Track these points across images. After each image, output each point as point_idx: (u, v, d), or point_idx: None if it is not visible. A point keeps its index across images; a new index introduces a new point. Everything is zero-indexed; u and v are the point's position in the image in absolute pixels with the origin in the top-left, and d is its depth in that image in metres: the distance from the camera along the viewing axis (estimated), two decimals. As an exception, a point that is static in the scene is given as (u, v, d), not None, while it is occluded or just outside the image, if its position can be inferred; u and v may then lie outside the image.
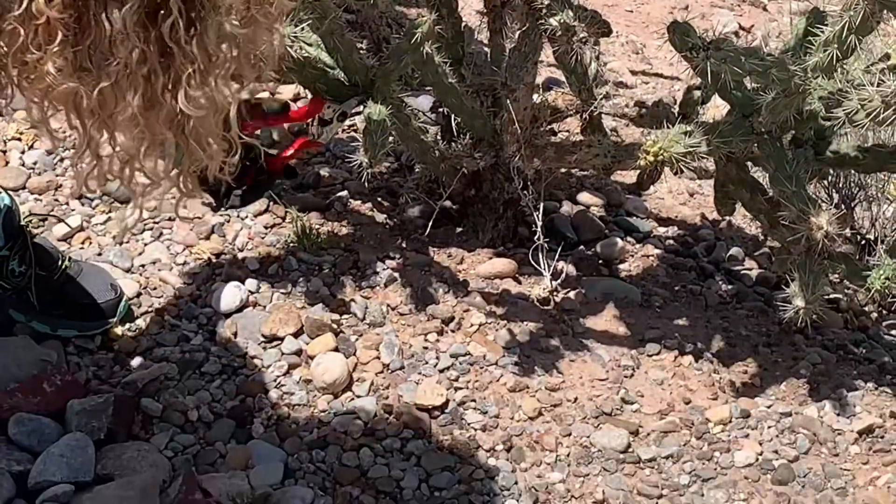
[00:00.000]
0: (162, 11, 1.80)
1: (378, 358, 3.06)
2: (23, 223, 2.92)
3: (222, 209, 3.28)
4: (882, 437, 3.14)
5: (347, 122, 3.72)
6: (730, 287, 3.58)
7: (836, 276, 3.24)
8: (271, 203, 3.40)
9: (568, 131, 3.76)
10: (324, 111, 3.03)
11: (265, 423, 2.88)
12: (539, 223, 3.22)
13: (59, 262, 2.94)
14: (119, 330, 2.99)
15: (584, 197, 3.78)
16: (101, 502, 2.57)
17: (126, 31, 1.79)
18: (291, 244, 3.30)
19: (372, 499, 2.77)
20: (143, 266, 3.18)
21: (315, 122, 3.04)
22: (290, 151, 3.00)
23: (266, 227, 3.35)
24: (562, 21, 2.83)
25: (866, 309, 3.65)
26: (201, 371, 2.96)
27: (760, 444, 3.08)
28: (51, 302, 2.92)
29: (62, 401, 2.76)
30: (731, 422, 3.11)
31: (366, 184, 3.00)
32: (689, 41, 2.79)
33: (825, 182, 3.72)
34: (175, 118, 1.92)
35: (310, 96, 3.36)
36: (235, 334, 3.05)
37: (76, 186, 2.06)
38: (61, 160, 3.43)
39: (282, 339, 3.05)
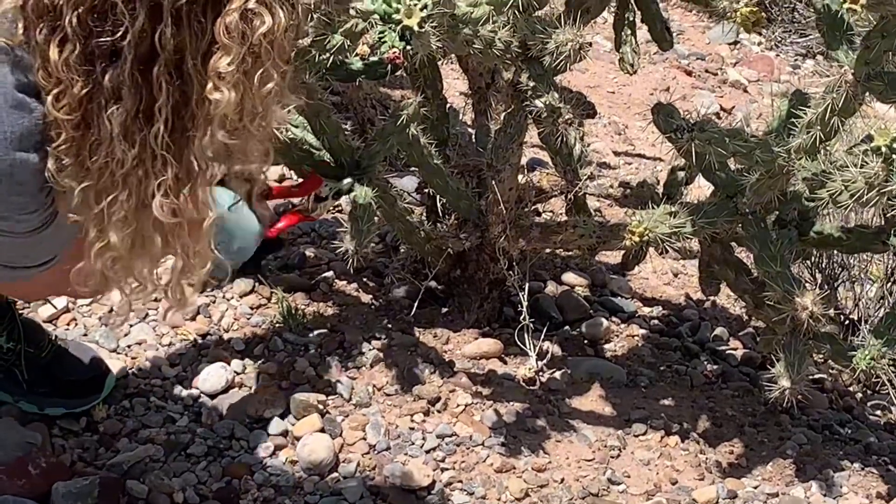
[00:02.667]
0: (154, 116, 1.86)
1: (364, 439, 3.05)
2: (10, 300, 2.91)
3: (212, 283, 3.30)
4: (869, 518, 3.14)
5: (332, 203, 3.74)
6: (715, 367, 3.58)
7: (821, 356, 3.25)
8: (257, 284, 3.40)
9: (552, 212, 3.78)
10: (321, 189, 3.05)
11: (251, 505, 2.87)
12: (524, 303, 3.22)
13: (47, 340, 2.94)
14: (104, 411, 2.97)
15: (569, 277, 3.79)
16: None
17: (116, 132, 1.85)
18: (277, 325, 3.30)
19: (358, 581, 2.76)
20: (128, 346, 3.18)
21: (311, 198, 3.05)
22: (283, 224, 3.01)
23: (252, 308, 3.34)
24: (547, 103, 2.84)
25: (851, 389, 3.66)
26: (187, 453, 2.94)
27: (747, 524, 3.08)
28: (38, 380, 2.91)
29: (47, 483, 2.75)
30: (717, 502, 3.10)
31: (351, 267, 3.00)
32: (674, 122, 2.81)
33: (808, 262, 3.74)
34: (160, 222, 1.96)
35: (295, 177, 3.38)
36: (221, 415, 3.04)
37: (84, 291, 2.10)
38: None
39: (268, 420, 3.04)
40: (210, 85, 1.86)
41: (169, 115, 1.86)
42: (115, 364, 3.08)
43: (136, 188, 1.91)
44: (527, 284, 3.28)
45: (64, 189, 1.92)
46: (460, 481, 3.00)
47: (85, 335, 3.18)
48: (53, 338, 2.99)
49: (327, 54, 2.80)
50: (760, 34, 6.23)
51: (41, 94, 1.87)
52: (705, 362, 3.60)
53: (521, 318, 3.22)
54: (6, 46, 1.87)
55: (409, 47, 2.48)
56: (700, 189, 3.35)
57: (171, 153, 1.89)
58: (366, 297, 3.47)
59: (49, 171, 1.91)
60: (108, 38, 1.81)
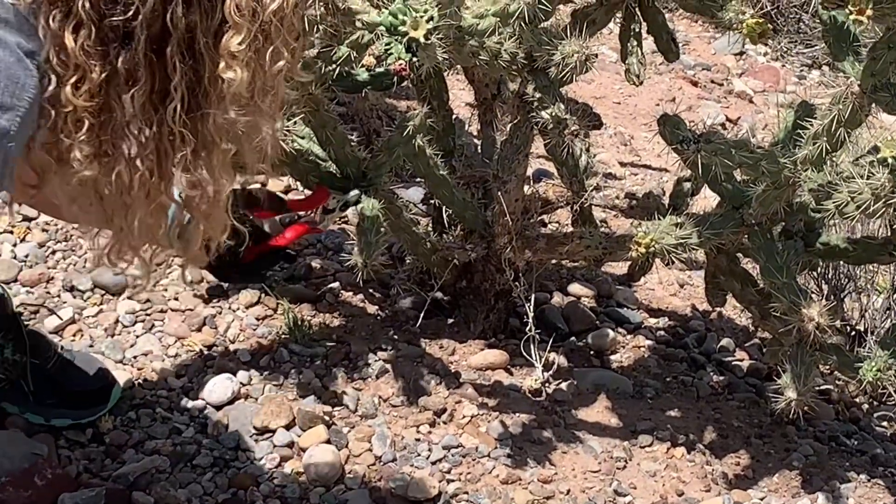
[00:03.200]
0: (170, 95, 1.88)
1: (370, 450, 3.05)
2: (15, 311, 2.92)
3: (224, 285, 3.32)
4: (876, 529, 3.14)
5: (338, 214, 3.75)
6: (721, 378, 3.58)
7: (828, 367, 3.25)
8: (263, 295, 3.40)
9: (558, 223, 3.78)
10: (328, 201, 3.06)
11: (257, 517, 2.87)
12: (531, 314, 3.23)
13: (52, 351, 2.94)
14: (110, 422, 2.97)
15: (575, 288, 3.79)
16: None
17: (135, 112, 1.87)
18: (283, 336, 3.30)
19: (364, 593, 2.76)
20: (134, 357, 3.18)
21: (318, 210, 3.06)
22: (290, 234, 3.01)
23: (258, 319, 3.34)
24: (553, 114, 2.85)
25: (857, 400, 3.65)
26: (193, 464, 2.94)
27: (754, 536, 3.08)
28: (44, 391, 2.92)
29: (53, 494, 2.75)
30: (724, 514, 3.10)
31: (360, 279, 3.00)
32: (680, 134, 2.81)
33: (815, 273, 3.74)
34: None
35: (301, 188, 3.38)
36: (227, 427, 3.04)
37: (93, 261, 2.13)
38: (53, 253, 3.43)
39: (273, 431, 3.04)
40: (223, 64, 1.89)
41: (184, 94, 1.88)
42: (121, 375, 3.08)
43: (156, 166, 1.94)
44: (533, 295, 3.28)
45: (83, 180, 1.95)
46: (466, 493, 3.00)
47: (91, 346, 3.18)
48: (59, 349, 2.99)
49: (334, 66, 2.80)
50: (766, 45, 6.23)
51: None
52: (711, 373, 3.60)
53: (527, 328, 3.23)
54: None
55: (415, 59, 2.49)
56: (706, 200, 3.36)
57: (187, 129, 1.92)
58: (372, 309, 3.47)
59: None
60: (121, 19, 1.83)
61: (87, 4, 1.82)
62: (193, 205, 2.05)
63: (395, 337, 3.37)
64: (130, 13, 1.83)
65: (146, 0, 1.82)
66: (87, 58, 1.84)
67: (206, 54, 1.88)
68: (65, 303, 3.30)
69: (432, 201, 3.46)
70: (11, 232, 3.49)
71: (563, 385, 3.37)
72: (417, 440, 3.10)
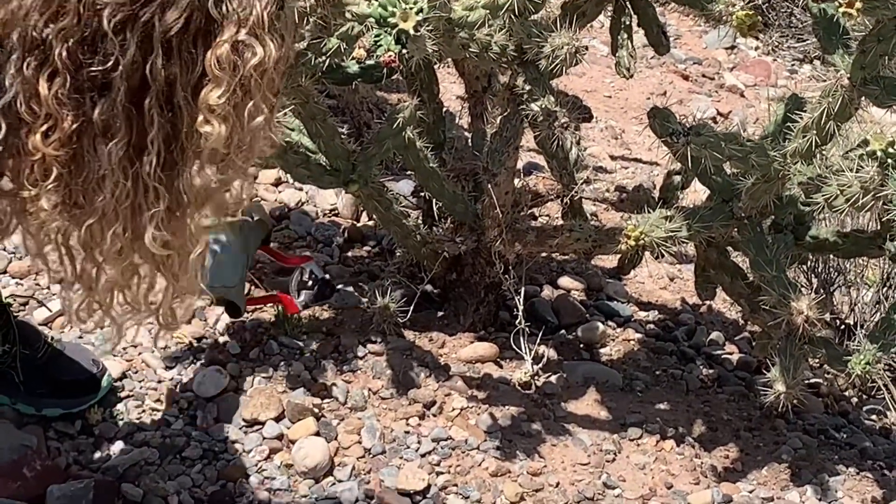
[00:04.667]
0: (146, 149, 1.84)
1: (359, 442, 3.05)
2: (5, 302, 2.91)
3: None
4: (864, 523, 3.14)
5: (328, 206, 3.75)
6: (711, 371, 3.58)
7: (817, 360, 3.25)
8: (253, 287, 3.40)
9: (549, 216, 3.78)
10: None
11: (246, 509, 2.87)
12: (520, 307, 3.23)
13: (42, 342, 2.94)
14: (99, 414, 2.97)
15: (565, 281, 3.79)
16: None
17: (111, 167, 1.83)
18: (273, 328, 3.29)
19: (353, 585, 2.76)
20: (124, 349, 3.17)
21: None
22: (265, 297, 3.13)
23: (247, 311, 3.34)
24: (543, 107, 2.85)
25: (846, 394, 3.66)
26: (182, 456, 2.94)
27: (743, 529, 3.08)
28: (34, 381, 2.91)
29: (42, 486, 2.75)
30: (713, 507, 3.10)
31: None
32: (670, 127, 2.81)
33: (804, 267, 3.74)
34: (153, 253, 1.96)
35: (290, 180, 3.38)
36: (216, 419, 3.04)
37: (67, 318, 2.10)
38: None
39: (263, 423, 3.04)
40: (201, 118, 1.84)
41: (161, 148, 1.84)
42: (110, 366, 3.07)
43: (129, 221, 1.90)
44: (523, 288, 3.28)
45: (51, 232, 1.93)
46: (455, 485, 3.00)
47: (80, 337, 3.18)
48: (49, 339, 2.99)
49: (323, 58, 2.80)
50: (757, 38, 6.23)
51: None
52: (701, 367, 3.60)
53: (517, 321, 3.23)
54: None
55: (404, 51, 2.48)
56: (696, 193, 3.36)
57: (162, 185, 1.87)
58: (361, 301, 3.46)
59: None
60: (99, 69, 1.79)
61: (65, 53, 1.78)
62: (164, 266, 1.99)
63: (385, 330, 3.36)
64: (109, 64, 1.79)
65: (126, 51, 1.78)
66: (60, 107, 1.80)
67: (184, 107, 1.84)
68: (54, 294, 3.29)
69: (422, 194, 3.45)
70: None
71: (553, 378, 3.37)
72: (407, 433, 3.10)
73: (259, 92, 1.87)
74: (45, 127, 1.82)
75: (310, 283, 3.29)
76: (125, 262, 1.95)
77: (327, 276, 3.37)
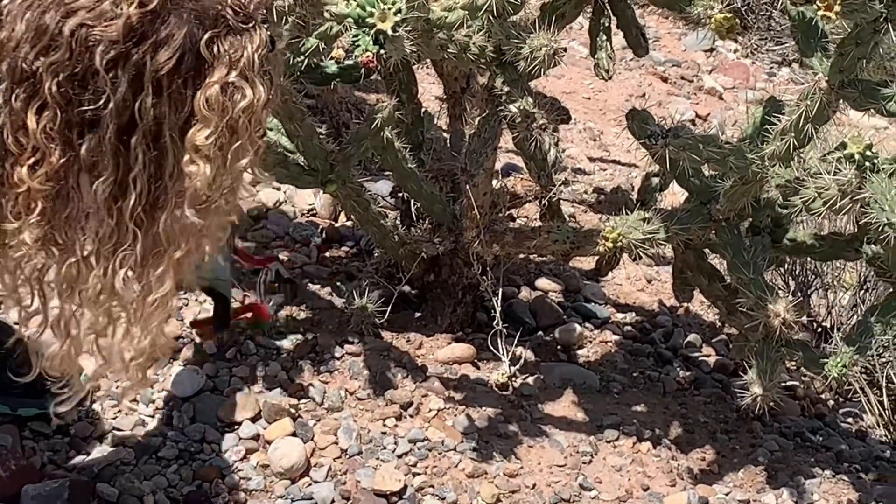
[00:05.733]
0: (129, 188, 1.82)
1: (336, 443, 3.04)
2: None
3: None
4: (840, 525, 3.15)
5: (306, 206, 3.75)
6: (688, 373, 3.59)
7: (794, 363, 3.25)
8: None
9: (527, 217, 3.78)
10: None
11: (222, 509, 2.86)
12: (498, 308, 3.22)
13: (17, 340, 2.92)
14: (75, 413, 2.96)
15: (543, 283, 3.79)
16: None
17: (97, 204, 1.81)
18: (250, 328, 3.29)
19: (329, 586, 2.76)
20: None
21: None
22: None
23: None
24: (521, 108, 2.85)
25: (823, 397, 3.67)
26: (158, 456, 2.93)
27: (719, 531, 3.08)
28: (9, 381, 2.89)
29: (17, 486, 2.74)
30: (689, 509, 3.11)
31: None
32: (648, 129, 2.81)
33: (782, 270, 3.75)
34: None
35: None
36: (193, 419, 3.03)
37: (52, 369, 2.07)
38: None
39: (239, 423, 3.03)
40: (186, 157, 1.82)
41: (144, 187, 1.82)
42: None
43: (106, 263, 1.87)
44: (500, 290, 3.28)
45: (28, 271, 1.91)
46: (432, 486, 3.00)
47: (56, 337, 3.16)
48: (25, 338, 2.97)
49: (302, 57, 2.80)
50: (736, 41, 6.25)
51: None
52: (678, 369, 3.61)
53: (495, 323, 3.22)
54: None
55: (383, 51, 2.48)
56: (674, 195, 3.36)
57: (141, 228, 1.85)
58: (339, 301, 3.46)
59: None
60: (89, 107, 1.77)
61: (55, 88, 1.76)
62: (136, 311, 1.94)
63: (362, 330, 3.36)
64: (101, 102, 1.77)
65: (117, 89, 1.76)
66: (48, 141, 1.78)
67: (170, 147, 1.81)
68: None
69: (400, 194, 3.45)
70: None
71: (530, 379, 3.37)
72: (383, 433, 3.09)
73: (246, 133, 1.86)
74: (31, 160, 1.80)
75: (277, 284, 3.29)
76: (103, 306, 1.92)
77: (291, 276, 3.36)
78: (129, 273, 1.87)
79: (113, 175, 1.80)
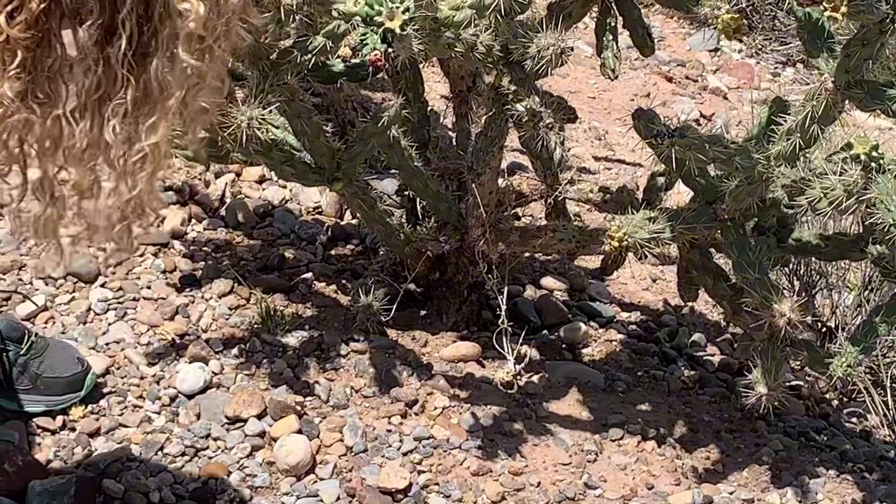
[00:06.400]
0: (116, 33, 1.71)
1: (341, 440, 3.05)
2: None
3: (196, 273, 3.29)
4: (844, 525, 3.15)
5: (312, 204, 3.75)
6: (692, 373, 3.59)
7: (798, 363, 3.26)
8: (236, 284, 3.40)
9: (532, 216, 3.79)
10: None
11: (227, 506, 2.87)
12: (503, 307, 3.23)
13: (26, 337, 2.93)
14: (80, 411, 2.97)
15: (548, 281, 3.79)
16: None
17: (84, 52, 1.72)
18: (255, 325, 3.29)
19: (334, 583, 2.76)
20: (107, 345, 3.17)
21: None
22: None
23: (230, 309, 3.34)
24: (528, 107, 2.85)
25: (827, 396, 3.67)
26: (164, 452, 2.94)
27: (723, 530, 3.09)
28: (17, 377, 2.91)
29: (23, 482, 2.74)
30: (693, 508, 3.11)
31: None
32: (654, 128, 2.82)
33: (787, 269, 3.75)
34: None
35: (275, 178, 3.38)
36: (198, 415, 3.04)
37: (19, 233, 1.95)
38: (25, 239, 3.42)
39: (245, 420, 3.04)
40: None
41: (133, 31, 1.71)
42: (94, 362, 3.07)
43: (94, 115, 1.77)
44: (505, 288, 3.28)
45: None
46: (437, 484, 3.00)
47: (63, 333, 3.17)
48: (34, 335, 2.98)
49: (309, 56, 2.80)
50: (741, 41, 6.25)
51: None
52: (683, 368, 3.61)
53: (500, 321, 3.22)
54: None
55: (390, 50, 2.48)
56: (680, 195, 3.36)
57: (132, 74, 1.73)
58: (344, 299, 3.46)
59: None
60: None
61: None
62: (124, 164, 1.83)
63: (368, 328, 3.36)
64: None
65: None
66: None
67: None
68: (37, 290, 3.29)
69: (406, 193, 3.45)
70: (-16, 218, 3.47)
71: (535, 378, 3.38)
72: (389, 431, 3.10)
73: None
74: (10, 7, 1.69)
75: None
76: (89, 163, 1.82)
77: None
78: (119, 124, 1.77)
79: (98, 19, 1.70)
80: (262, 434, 3.02)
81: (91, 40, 1.71)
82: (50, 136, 1.79)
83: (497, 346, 3.26)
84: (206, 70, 1.82)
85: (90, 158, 1.81)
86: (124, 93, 1.75)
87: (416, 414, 3.17)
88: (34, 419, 2.93)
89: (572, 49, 2.78)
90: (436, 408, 3.18)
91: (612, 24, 3.10)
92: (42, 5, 1.69)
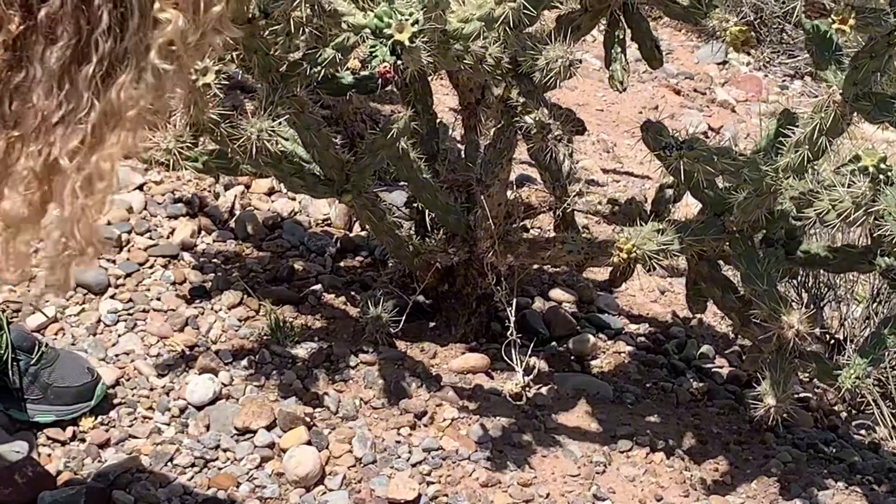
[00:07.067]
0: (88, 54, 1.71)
1: (351, 451, 3.05)
2: (-3, 311, 2.91)
3: (206, 285, 3.30)
4: (853, 537, 3.15)
5: (321, 216, 3.76)
6: (701, 384, 3.59)
7: (807, 375, 3.26)
8: (245, 296, 3.40)
9: (541, 228, 3.79)
10: None
11: (237, 517, 2.87)
12: (512, 319, 3.23)
13: (36, 348, 2.94)
14: (90, 422, 2.97)
15: (557, 293, 3.80)
16: None
17: (48, 72, 1.70)
18: (265, 337, 3.30)
19: None
20: (116, 356, 3.18)
21: None
22: None
23: (240, 320, 3.35)
24: (537, 119, 2.86)
25: (836, 408, 3.67)
26: (174, 463, 2.95)
27: (732, 541, 3.09)
28: (28, 387, 2.91)
29: (34, 492, 2.75)
30: (702, 519, 3.11)
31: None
32: (663, 140, 2.83)
33: (795, 281, 3.75)
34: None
35: (284, 189, 3.38)
36: (208, 427, 3.05)
37: None
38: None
39: (254, 431, 3.04)
40: (157, 6, 1.70)
41: (105, 51, 1.69)
42: (104, 373, 3.08)
43: (49, 138, 1.73)
44: (514, 300, 3.29)
45: None
46: (446, 495, 3.01)
47: (73, 344, 3.18)
48: (44, 346, 2.99)
49: (318, 68, 2.81)
50: (749, 54, 6.26)
51: None
52: (691, 380, 3.61)
53: (509, 333, 3.23)
54: None
55: (399, 62, 2.49)
56: (688, 207, 3.37)
57: (97, 96, 1.72)
58: (353, 311, 3.47)
59: None
60: None
61: None
62: (72, 198, 1.79)
63: (377, 339, 3.37)
64: None
65: None
66: (8, 7, 1.67)
67: (136, 2, 1.70)
68: (47, 301, 3.30)
69: (415, 205, 3.46)
70: (-6, 230, 3.48)
71: (544, 389, 3.38)
72: (398, 442, 3.10)
73: None
74: None
75: None
76: (32, 190, 1.77)
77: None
78: (75, 149, 1.74)
79: (74, 38, 1.68)
80: (271, 445, 3.02)
81: (58, 62, 1.70)
82: (4, 155, 1.76)
83: (506, 358, 3.27)
84: (171, 85, 1.80)
85: (33, 186, 1.77)
86: (87, 115, 1.73)
87: (426, 425, 3.17)
88: (44, 430, 2.94)
89: (580, 61, 2.79)
90: (445, 419, 3.19)
91: (621, 37, 3.11)
92: (21, 26, 1.69)
